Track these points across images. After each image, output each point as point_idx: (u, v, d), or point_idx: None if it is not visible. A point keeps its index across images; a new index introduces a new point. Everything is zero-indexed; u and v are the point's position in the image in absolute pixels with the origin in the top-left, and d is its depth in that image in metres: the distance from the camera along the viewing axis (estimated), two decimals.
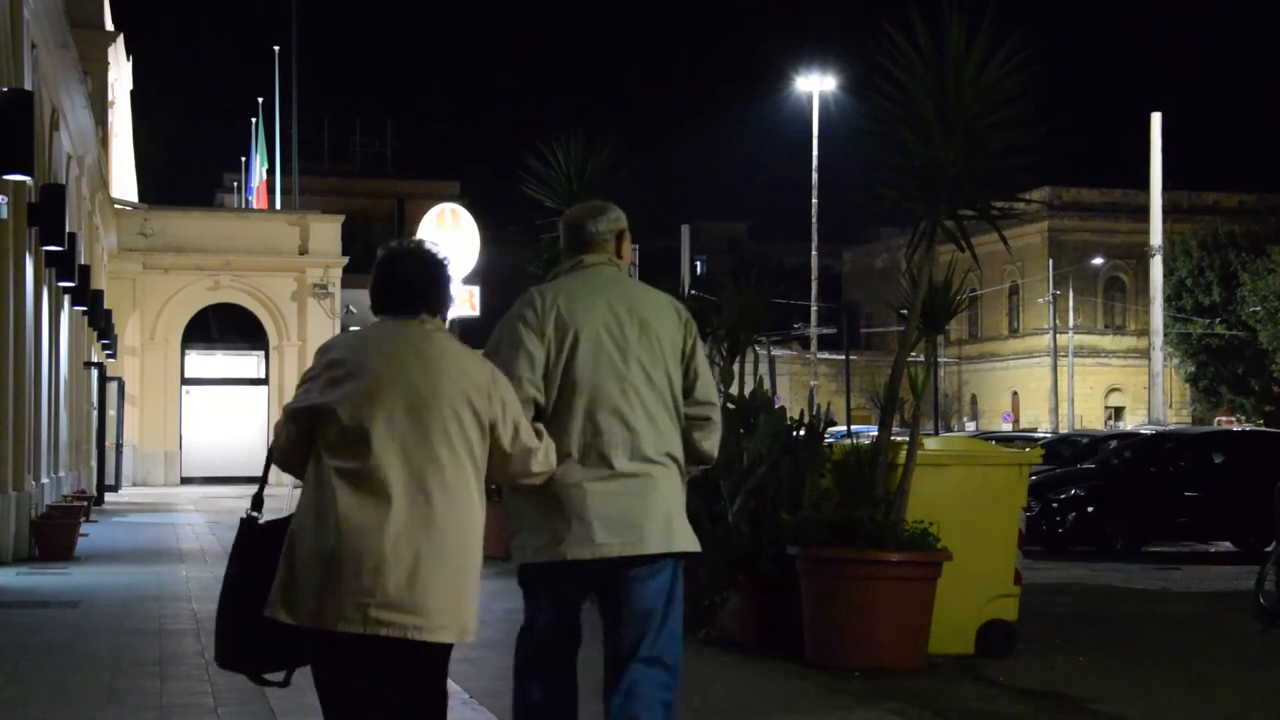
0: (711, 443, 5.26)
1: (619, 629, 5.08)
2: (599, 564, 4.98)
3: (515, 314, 5.13)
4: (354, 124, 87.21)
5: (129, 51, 44.55)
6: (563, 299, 5.10)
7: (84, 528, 19.01)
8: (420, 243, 4.76)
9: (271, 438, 4.72)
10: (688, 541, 5.11)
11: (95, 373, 32.16)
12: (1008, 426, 69.22)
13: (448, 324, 4.78)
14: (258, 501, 4.70)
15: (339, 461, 4.43)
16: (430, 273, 4.64)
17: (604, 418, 5.00)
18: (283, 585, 4.40)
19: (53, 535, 17.42)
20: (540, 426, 4.84)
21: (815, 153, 55.27)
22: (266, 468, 4.72)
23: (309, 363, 4.76)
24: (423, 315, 4.60)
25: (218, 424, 42.46)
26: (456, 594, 4.44)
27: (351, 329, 4.60)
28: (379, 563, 4.33)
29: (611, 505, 4.97)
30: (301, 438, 4.52)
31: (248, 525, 4.64)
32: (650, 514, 5.00)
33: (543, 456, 4.76)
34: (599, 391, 5.01)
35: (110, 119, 39.42)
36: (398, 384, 4.47)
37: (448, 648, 4.52)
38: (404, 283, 4.63)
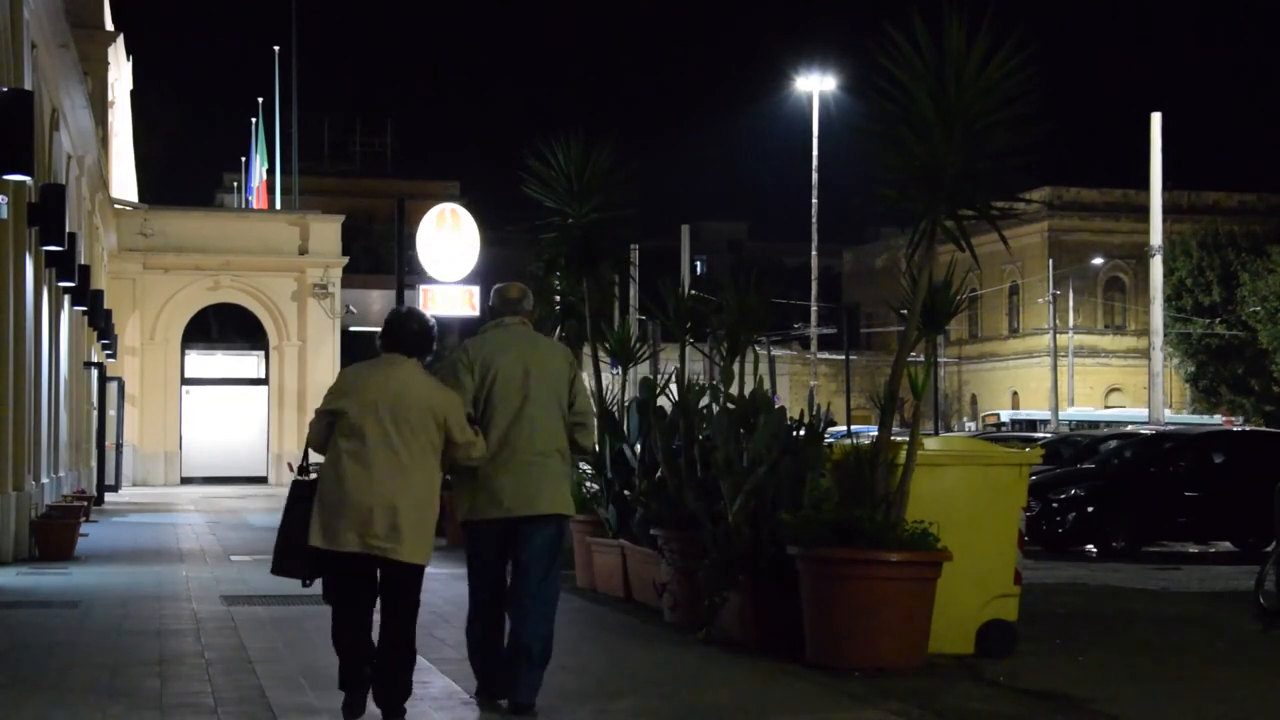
0: (589, 440, 7.97)
1: (519, 567, 7.59)
2: (505, 521, 7.56)
3: (455, 358, 7.68)
4: (354, 124, 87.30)
5: (129, 51, 44.55)
6: (486, 349, 7.70)
7: (84, 528, 19.01)
8: (417, 311, 7.59)
9: (306, 432, 7.42)
10: (565, 507, 7.72)
11: (95, 373, 32.14)
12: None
13: (433, 354, 7.63)
14: (303, 469, 7.39)
15: (346, 444, 7.10)
16: (421, 331, 7.38)
17: (509, 425, 7.57)
18: (316, 523, 7.04)
19: (53, 535, 17.43)
20: (477, 428, 7.43)
21: (815, 153, 55.36)
22: (306, 449, 7.48)
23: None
24: (400, 355, 7.29)
25: (218, 424, 42.38)
26: (421, 532, 7.13)
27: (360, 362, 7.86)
28: (370, 510, 7.01)
29: (512, 482, 7.53)
30: (326, 429, 7.20)
31: (297, 482, 7.32)
32: (541, 488, 7.56)
33: (479, 448, 7.42)
34: (507, 408, 7.58)
35: (110, 119, 39.41)
36: (386, 397, 7.12)
37: (417, 567, 7.15)
38: (404, 334, 7.35)
